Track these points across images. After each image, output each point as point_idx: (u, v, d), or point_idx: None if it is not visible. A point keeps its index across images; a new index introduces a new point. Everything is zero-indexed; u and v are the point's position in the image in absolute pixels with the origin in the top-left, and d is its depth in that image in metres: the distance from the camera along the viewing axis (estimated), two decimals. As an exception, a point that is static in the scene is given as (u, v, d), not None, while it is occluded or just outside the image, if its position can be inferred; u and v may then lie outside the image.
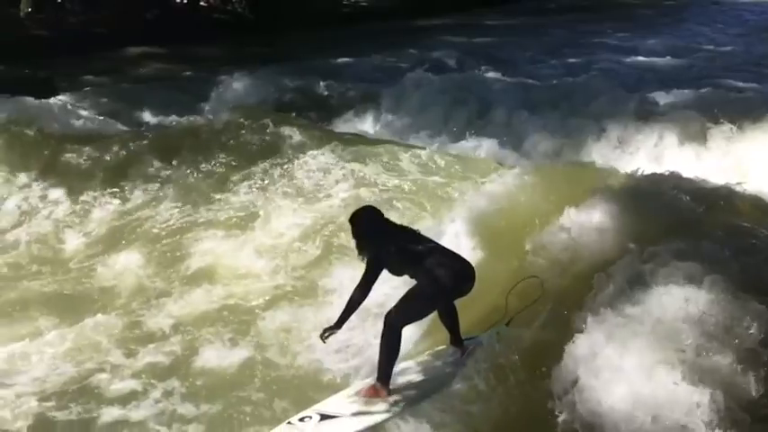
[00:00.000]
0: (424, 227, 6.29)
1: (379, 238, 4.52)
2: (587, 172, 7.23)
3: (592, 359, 4.00)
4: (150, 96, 13.61)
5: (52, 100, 12.13)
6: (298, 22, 21.87)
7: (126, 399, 5.09)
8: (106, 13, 18.96)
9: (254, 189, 8.02)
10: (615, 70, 15.94)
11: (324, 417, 4.40)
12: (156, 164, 8.82)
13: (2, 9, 17.73)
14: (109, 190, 8.44)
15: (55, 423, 4.86)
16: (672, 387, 3.73)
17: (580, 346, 4.09)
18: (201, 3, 22.81)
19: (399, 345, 4.42)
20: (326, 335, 4.47)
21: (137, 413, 4.95)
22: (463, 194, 7.13)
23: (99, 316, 6.10)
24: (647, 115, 10.18)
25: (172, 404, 5.02)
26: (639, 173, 6.62)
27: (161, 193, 8.25)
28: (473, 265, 4.59)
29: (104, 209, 8.16)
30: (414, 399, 4.42)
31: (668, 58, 17.32)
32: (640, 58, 17.44)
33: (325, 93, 14.01)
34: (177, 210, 7.86)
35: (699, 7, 29.14)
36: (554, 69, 16.36)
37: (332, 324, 4.46)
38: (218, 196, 8.01)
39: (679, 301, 4.09)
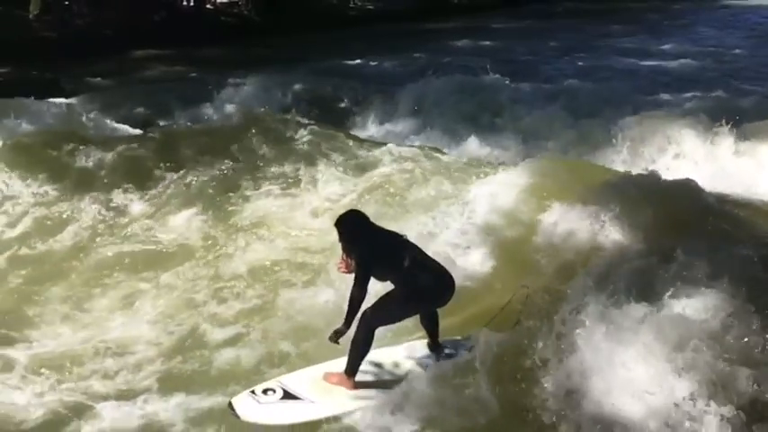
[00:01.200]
0: (434, 223, 6.53)
1: (364, 243, 4.50)
2: (596, 171, 7.24)
3: (592, 359, 3.97)
4: (160, 97, 13.63)
5: (60, 100, 12.22)
6: (303, 24, 21.87)
7: (233, 343, 5.38)
8: (113, 15, 18.99)
9: (297, 168, 8.25)
10: (625, 73, 15.92)
11: (287, 395, 4.47)
12: (195, 150, 8.92)
13: (9, 10, 17.79)
14: (160, 168, 8.53)
15: (180, 377, 5.10)
16: (673, 387, 3.71)
17: (579, 348, 4.04)
18: (208, 5, 22.85)
19: (371, 343, 4.51)
20: (336, 337, 4.47)
21: (247, 354, 5.20)
22: (470, 192, 7.21)
23: (182, 271, 6.45)
24: (658, 117, 10.10)
25: (274, 344, 5.28)
26: (649, 173, 6.58)
27: (207, 172, 8.37)
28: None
29: (159, 183, 8.27)
30: (377, 398, 4.41)
31: (679, 61, 17.28)
32: (650, 62, 17.41)
33: (331, 94, 14.04)
34: (226, 181, 8.11)
35: (707, 11, 29.07)
36: (564, 72, 16.32)
37: (339, 326, 4.44)
38: (263, 172, 8.27)
39: (685, 301, 4.06)
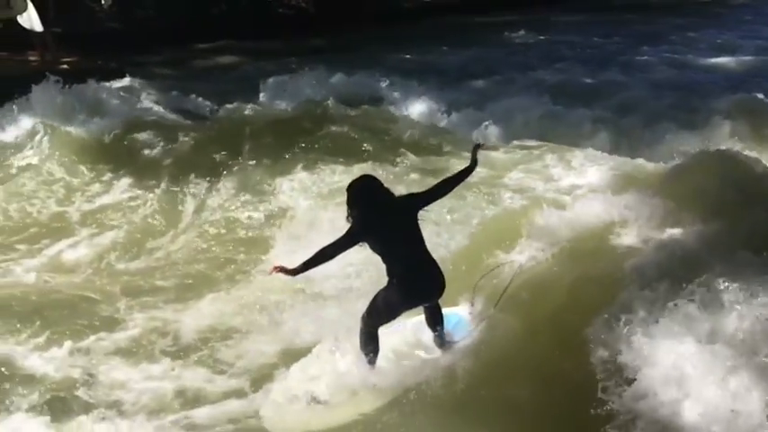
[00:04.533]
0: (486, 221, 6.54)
1: (362, 215, 4.33)
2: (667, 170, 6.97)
3: (642, 351, 3.85)
4: (219, 87, 13.98)
5: (123, 87, 12.66)
6: (359, 17, 21.93)
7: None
8: (175, 7, 19.41)
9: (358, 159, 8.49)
10: (702, 66, 15.34)
11: (313, 399, 4.48)
12: (259, 137, 9.24)
13: (78, 1, 18.36)
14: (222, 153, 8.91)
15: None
16: (727, 383, 3.59)
17: (627, 339, 3.93)
18: (266, -2, 23.09)
19: (376, 341, 4.51)
20: (276, 270, 4.32)
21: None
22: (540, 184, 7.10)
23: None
24: (736, 114, 9.79)
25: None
26: (725, 173, 6.31)
27: (282, 159, 8.67)
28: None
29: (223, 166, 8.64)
30: (396, 394, 4.36)
31: (759, 57, 16.51)
32: (727, 57, 16.60)
33: (389, 87, 13.95)
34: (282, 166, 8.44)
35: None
36: (634, 65, 15.79)
37: (291, 267, 4.30)
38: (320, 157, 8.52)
39: (745, 296, 3.91)
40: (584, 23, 23.25)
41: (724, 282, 4.02)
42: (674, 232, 5.30)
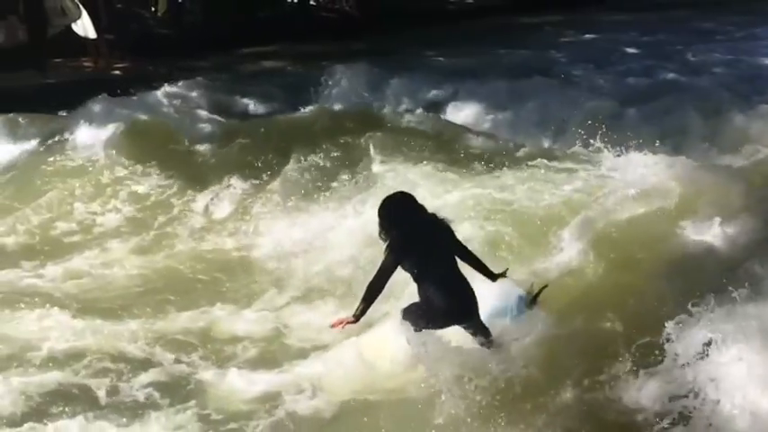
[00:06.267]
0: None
1: (401, 230, 4.25)
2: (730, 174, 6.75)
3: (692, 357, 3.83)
4: (264, 91, 14.14)
5: (177, 91, 12.92)
6: (403, 20, 21.87)
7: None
8: (222, 12, 19.63)
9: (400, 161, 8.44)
10: (754, 67, 14.92)
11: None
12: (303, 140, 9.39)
13: (129, 8, 18.75)
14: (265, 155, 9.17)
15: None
16: None
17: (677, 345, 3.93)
18: (311, 2, 23.25)
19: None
20: (339, 326, 4.37)
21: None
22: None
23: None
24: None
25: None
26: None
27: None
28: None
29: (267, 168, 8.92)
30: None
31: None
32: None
33: (433, 91, 13.85)
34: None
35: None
36: (686, 66, 15.30)
37: (349, 317, 4.35)
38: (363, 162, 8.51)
39: None
40: (632, 22, 22.78)
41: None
42: (732, 231, 5.23)
